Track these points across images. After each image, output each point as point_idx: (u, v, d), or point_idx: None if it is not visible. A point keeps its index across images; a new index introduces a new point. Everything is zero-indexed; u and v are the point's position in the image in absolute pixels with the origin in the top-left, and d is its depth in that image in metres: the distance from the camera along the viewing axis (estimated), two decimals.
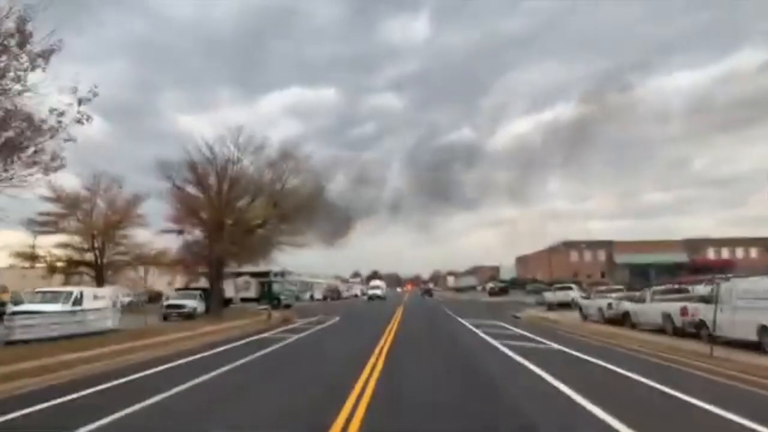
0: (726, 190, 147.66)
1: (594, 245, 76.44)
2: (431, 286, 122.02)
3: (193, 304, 31.58)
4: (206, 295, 33.96)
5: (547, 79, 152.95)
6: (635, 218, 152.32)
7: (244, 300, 48.42)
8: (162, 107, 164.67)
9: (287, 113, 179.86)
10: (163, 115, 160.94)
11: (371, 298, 69.34)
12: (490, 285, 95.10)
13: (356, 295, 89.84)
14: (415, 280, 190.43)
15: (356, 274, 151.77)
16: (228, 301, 45.61)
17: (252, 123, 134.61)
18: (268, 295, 48.19)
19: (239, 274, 49.29)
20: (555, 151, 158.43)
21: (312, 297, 73.16)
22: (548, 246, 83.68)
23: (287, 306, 47.38)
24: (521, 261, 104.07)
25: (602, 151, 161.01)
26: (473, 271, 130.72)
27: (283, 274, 54.24)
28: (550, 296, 35.65)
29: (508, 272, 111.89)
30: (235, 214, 33.39)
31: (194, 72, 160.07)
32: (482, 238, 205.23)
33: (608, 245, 76.04)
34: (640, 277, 70.04)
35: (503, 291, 71.14)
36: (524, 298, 50.97)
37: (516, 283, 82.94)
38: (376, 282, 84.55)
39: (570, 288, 36.24)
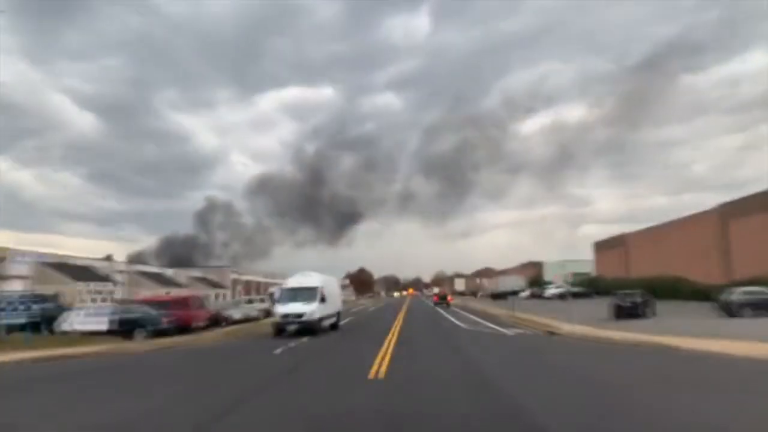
0: None
1: None
2: (437, 290, 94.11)
3: None
4: None
5: (554, 77, 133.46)
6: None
7: None
8: (157, 106, 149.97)
9: (285, 112, 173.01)
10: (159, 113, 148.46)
11: (281, 328, 21.28)
12: (582, 291, 47.34)
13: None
14: (416, 284, 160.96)
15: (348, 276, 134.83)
16: None
17: (248, 121, 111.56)
18: None
19: None
20: (561, 150, 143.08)
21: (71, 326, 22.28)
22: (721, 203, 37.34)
23: None
24: (607, 248, 57.64)
25: (610, 152, 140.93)
26: (481, 273, 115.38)
27: None
28: None
29: (552, 271, 71.56)
30: None
31: (191, 70, 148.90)
32: (487, 239, 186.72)
33: None
34: None
35: (646, 305, 25.16)
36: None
37: (611, 287, 37.52)
38: (299, 279, 24.06)
39: None
